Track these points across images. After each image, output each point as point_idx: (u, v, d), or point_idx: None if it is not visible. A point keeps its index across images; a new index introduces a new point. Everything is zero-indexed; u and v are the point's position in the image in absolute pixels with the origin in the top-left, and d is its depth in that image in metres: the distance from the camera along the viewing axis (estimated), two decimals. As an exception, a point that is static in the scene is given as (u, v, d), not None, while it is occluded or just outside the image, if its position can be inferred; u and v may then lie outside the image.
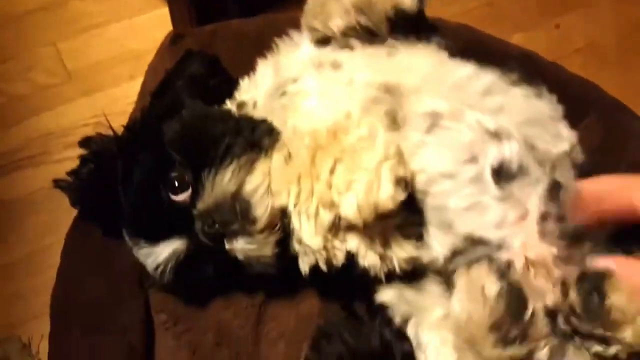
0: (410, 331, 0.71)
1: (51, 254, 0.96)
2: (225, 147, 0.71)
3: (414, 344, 0.70)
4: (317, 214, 0.64)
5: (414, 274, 0.70)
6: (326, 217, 0.64)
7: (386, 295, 0.72)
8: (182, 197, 0.71)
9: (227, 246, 0.69)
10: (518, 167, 0.69)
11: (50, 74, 1.12)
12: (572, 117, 0.81)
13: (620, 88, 0.96)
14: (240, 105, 0.80)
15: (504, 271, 0.62)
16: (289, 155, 0.70)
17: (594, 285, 0.58)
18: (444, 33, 0.83)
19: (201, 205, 0.70)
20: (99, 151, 0.81)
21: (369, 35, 0.78)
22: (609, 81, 1.05)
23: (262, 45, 0.86)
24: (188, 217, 0.69)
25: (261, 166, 0.71)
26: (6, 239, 0.97)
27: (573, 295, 0.58)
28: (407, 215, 0.68)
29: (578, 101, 0.92)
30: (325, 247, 0.66)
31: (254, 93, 0.82)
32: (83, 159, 0.81)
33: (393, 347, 0.70)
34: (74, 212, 0.89)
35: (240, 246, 0.69)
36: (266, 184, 0.70)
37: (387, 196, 0.62)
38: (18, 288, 0.94)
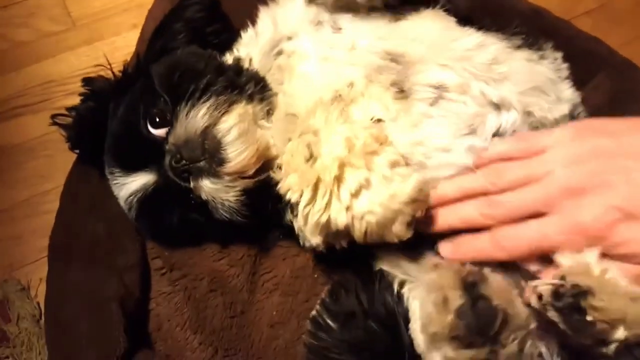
0: (405, 296, 0.71)
1: (49, 199, 0.97)
2: (205, 84, 0.70)
3: (409, 309, 0.70)
4: (327, 224, 0.62)
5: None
6: (334, 227, 0.62)
7: (384, 263, 0.73)
8: (160, 131, 0.71)
9: (191, 184, 0.69)
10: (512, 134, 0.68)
11: (54, 21, 1.11)
12: (581, 75, 0.80)
13: (631, 52, 0.94)
14: (236, 60, 0.79)
15: (473, 283, 0.59)
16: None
17: (572, 303, 0.54)
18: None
19: (171, 138, 0.69)
20: (99, 91, 0.82)
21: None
22: (620, 44, 1.03)
23: None
24: (162, 152, 0.69)
25: (240, 109, 0.70)
26: (5, 184, 0.97)
27: (552, 314, 0.55)
28: None
29: (587, 58, 0.91)
30: (325, 241, 0.65)
31: (250, 49, 0.81)
32: (83, 97, 0.82)
33: (396, 312, 0.70)
34: (71, 160, 0.90)
35: (203, 185, 0.68)
36: (242, 127, 0.69)
37: (396, 232, 0.61)
38: (17, 231, 0.95)
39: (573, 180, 0.59)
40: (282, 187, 0.64)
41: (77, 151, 0.85)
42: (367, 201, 0.60)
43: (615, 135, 0.60)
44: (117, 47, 1.09)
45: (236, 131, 0.69)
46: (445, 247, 0.67)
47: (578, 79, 0.78)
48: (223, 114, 0.69)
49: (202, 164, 0.68)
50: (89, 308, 0.74)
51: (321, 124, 0.64)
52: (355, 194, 0.60)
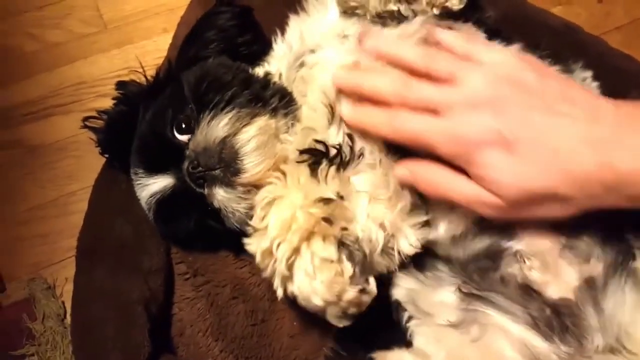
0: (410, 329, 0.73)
1: (77, 199, 0.99)
2: (230, 95, 0.72)
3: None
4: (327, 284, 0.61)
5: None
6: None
7: (400, 294, 0.74)
8: (184, 137, 0.72)
9: (205, 191, 0.70)
10: None
11: (86, 23, 1.12)
12: (612, 93, 0.79)
13: (663, 70, 0.92)
14: (266, 74, 0.79)
15: None
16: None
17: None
18: (483, 1, 0.81)
19: (191, 145, 0.71)
20: (131, 96, 0.84)
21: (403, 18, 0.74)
22: (652, 62, 1.01)
23: (294, 3, 0.86)
24: (183, 157, 0.71)
25: (262, 122, 0.71)
26: (35, 182, 0.99)
27: None
28: (415, 201, 0.68)
29: (618, 76, 0.89)
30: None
31: (279, 62, 0.82)
32: (116, 101, 0.84)
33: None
34: (100, 161, 0.91)
35: (216, 193, 0.69)
36: (262, 140, 0.69)
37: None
38: (44, 230, 0.97)
39: (479, 97, 0.61)
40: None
41: (107, 155, 0.87)
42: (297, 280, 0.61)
43: (546, 77, 0.62)
44: (147, 50, 1.11)
45: (254, 143, 0.69)
46: (346, 107, 0.69)
47: (608, 97, 0.77)
48: (244, 125, 0.70)
49: (217, 172, 0.69)
50: (115, 310, 0.75)
51: (290, 179, 0.65)
52: (289, 269, 0.61)
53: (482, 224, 0.70)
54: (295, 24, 0.84)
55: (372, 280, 0.64)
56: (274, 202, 0.63)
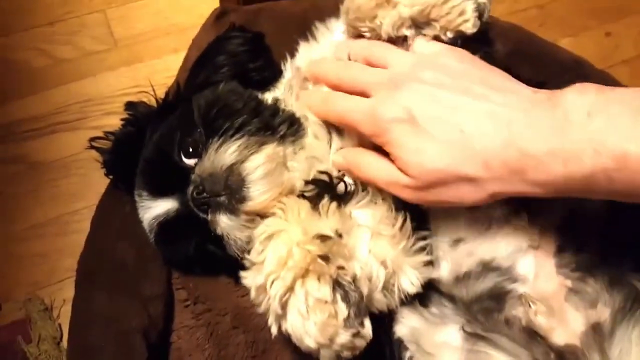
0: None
1: (79, 218, 0.97)
2: (240, 123, 0.71)
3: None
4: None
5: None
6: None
7: (404, 331, 0.73)
8: (190, 161, 0.72)
9: (209, 217, 0.69)
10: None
11: (97, 40, 1.12)
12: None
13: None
14: (275, 101, 0.79)
15: None
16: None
17: None
18: (493, 33, 0.80)
19: (198, 169, 0.70)
20: (139, 117, 0.83)
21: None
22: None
23: (305, 29, 0.86)
24: (188, 182, 0.70)
25: (270, 150, 0.70)
26: (37, 200, 0.98)
27: None
28: (416, 238, 0.67)
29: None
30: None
31: (288, 89, 0.81)
32: (124, 122, 0.83)
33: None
34: (104, 180, 0.89)
35: (219, 220, 0.68)
36: (269, 168, 0.68)
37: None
38: (44, 249, 0.95)
39: (401, 77, 0.64)
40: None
41: (112, 176, 0.86)
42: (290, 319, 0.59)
43: (470, 63, 0.64)
44: (157, 70, 1.10)
45: (262, 171, 0.68)
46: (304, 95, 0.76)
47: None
48: (252, 153, 0.69)
49: (222, 199, 0.68)
50: (114, 337, 0.73)
51: (291, 213, 0.64)
52: (283, 307, 0.59)
53: (486, 265, 0.69)
54: (304, 50, 0.85)
55: (367, 323, 0.62)
56: (272, 236, 0.62)
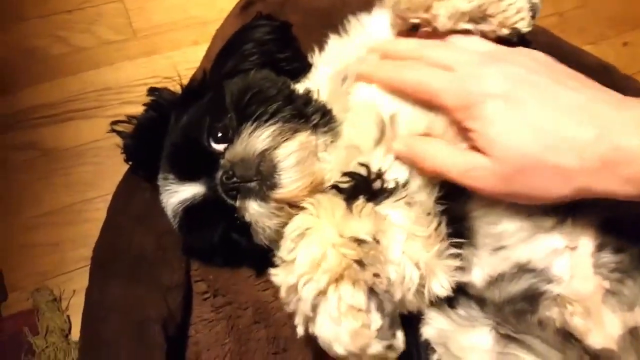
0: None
1: (92, 207, 0.94)
2: (275, 109, 0.70)
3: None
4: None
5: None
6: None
7: (431, 333, 0.71)
8: (219, 146, 0.70)
9: (238, 203, 0.67)
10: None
11: (115, 30, 1.10)
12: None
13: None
14: (307, 91, 0.77)
15: None
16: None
17: None
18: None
19: (228, 154, 0.68)
20: (163, 103, 0.81)
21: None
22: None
23: (330, 23, 0.84)
24: (217, 167, 0.68)
25: (303, 137, 0.69)
26: (50, 187, 0.94)
27: None
28: (450, 243, 0.65)
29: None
30: None
31: (320, 81, 0.80)
32: (147, 106, 0.81)
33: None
34: (119, 169, 0.86)
35: (249, 206, 0.67)
36: (301, 155, 0.67)
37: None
38: (55, 238, 0.91)
39: (491, 56, 0.63)
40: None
41: (131, 162, 0.83)
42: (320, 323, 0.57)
43: (557, 62, 0.63)
44: (176, 61, 1.08)
45: (294, 158, 0.67)
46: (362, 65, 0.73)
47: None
48: (285, 140, 0.68)
49: (252, 184, 0.66)
50: (130, 328, 0.69)
51: (324, 211, 0.61)
52: (313, 309, 0.57)
53: (521, 267, 0.67)
54: (335, 44, 0.84)
55: (400, 334, 0.60)
56: (304, 234, 0.59)
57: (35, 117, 1.00)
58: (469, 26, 0.67)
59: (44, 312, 0.85)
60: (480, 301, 0.70)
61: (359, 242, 0.58)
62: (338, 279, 0.56)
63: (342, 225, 0.59)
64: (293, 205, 0.67)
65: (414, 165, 0.66)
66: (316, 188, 0.69)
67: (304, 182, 0.67)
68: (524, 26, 0.68)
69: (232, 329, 0.77)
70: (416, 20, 0.70)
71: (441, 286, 0.64)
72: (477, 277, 0.69)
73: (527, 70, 0.60)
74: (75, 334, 0.83)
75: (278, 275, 0.60)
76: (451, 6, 0.66)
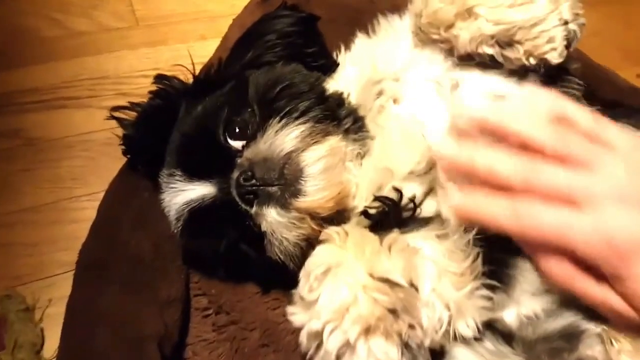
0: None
1: (78, 206, 0.83)
2: (306, 106, 0.63)
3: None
4: None
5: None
6: None
7: None
8: (236, 143, 0.62)
9: (254, 209, 0.59)
10: None
11: (117, 17, 1.02)
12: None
13: None
14: (341, 93, 0.71)
15: None
16: None
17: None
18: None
19: (249, 152, 0.60)
20: (172, 91, 0.72)
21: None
22: None
23: (356, 21, 0.79)
24: (232, 166, 0.61)
25: (334, 142, 0.62)
26: (33, 180, 0.84)
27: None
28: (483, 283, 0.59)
29: None
30: None
31: (349, 84, 0.73)
32: (153, 94, 0.72)
33: None
34: (112, 166, 0.77)
35: (267, 213, 0.59)
36: (330, 162, 0.60)
37: None
38: (34, 238, 0.80)
39: (627, 189, 0.48)
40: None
41: (130, 155, 0.74)
42: None
43: None
44: (181, 55, 0.98)
45: (323, 164, 0.60)
46: (454, 192, 0.52)
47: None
48: (315, 142, 0.61)
49: (274, 189, 0.59)
50: (122, 346, 0.59)
51: (352, 245, 0.54)
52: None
53: (562, 303, 0.61)
54: (363, 45, 0.77)
55: None
56: (329, 271, 0.51)
57: (22, 101, 0.90)
58: (491, 51, 0.62)
59: (13, 322, 0.73)
60: (508, 337, 0.63)
61: (392, 284, 0.51)
62: (368, 330, 0.49)
63: (372, 263, 0.52)
64: (314, 218, 0.60)
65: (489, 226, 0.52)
66: (342, 201, 0.62)
67: (330, 192, 0.60)
68: (554, 57, 0.62)
69: (236, 352, 0.67)
70: (436, 37, 0.65)
71: (467, 326, 0.58)
72: (510, 317, 0.63)
73: None
74: (49, 351, 0.72)
75: (297, 315, 0.52)
76: (475, 28, 0.61)
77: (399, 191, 0.61)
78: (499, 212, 0.50)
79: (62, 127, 0.88)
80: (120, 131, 0.73)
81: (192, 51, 1.00)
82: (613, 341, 0.60)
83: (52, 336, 0.72)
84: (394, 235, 0.55)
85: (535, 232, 0.49)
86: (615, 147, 0.51)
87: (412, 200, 0.60)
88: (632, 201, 0.48)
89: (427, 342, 0.53)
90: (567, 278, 0.49)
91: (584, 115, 0.53)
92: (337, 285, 0.50)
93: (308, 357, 0.52)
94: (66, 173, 0.85)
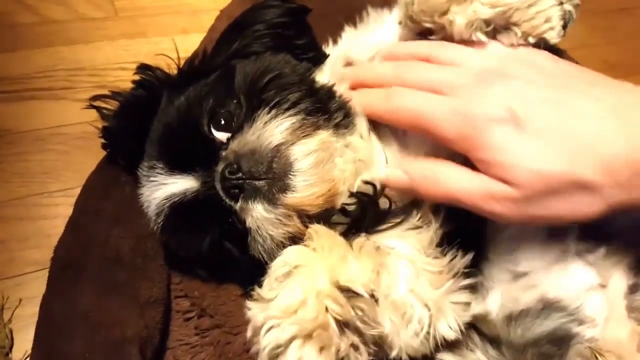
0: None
1: (50, 203, 0.79)
2: (297, 98, 0.61)
3: None
4: None
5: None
6: None
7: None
8: (221, 135, 0.60)
9: (239, 204, 0.57)
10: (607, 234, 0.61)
11: (95, 6, 0.97)
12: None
13: None
14: (332, 85, 0.67)
15: None
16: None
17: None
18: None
19: (235, 144, 0.58)
20: (154, 82, 0.69)
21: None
22: None
23: (350, 13, 0.77)
24: (216, 159, 0.58)
25: (325, 136, 0.60)
26: (1, 174, 0.79)
27: None
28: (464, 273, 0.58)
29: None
30: None
31: (334, 75, 0.70)
32: (136, 84, 0.69)
33: None
34: (88, 161, 0.74)
35: (253, 209, 0.57)
36: (321, 157, 0.58)
37: None
38: (2, 234, 0.75)
39: (487, 70, 0.57)
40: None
41: (110, 148, 0.70)
42: None
43: (561, 62, 0.59)
44: (162, 48, 0.95)
45: (313, 159, 0.58)
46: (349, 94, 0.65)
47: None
48: (305, 136, 0.59)
49: (261, 183, 0.57)
50: (101, 348, 0.55)
51: (320, 248, 0.54)
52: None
53: (549, 303, 0.61)
54: (349, 35, 0.77)
55: None
56: (291, 273, 0.51)
57: (-12, 90, 0.85)
58: (485, 38, 0.61)
59: (-23, 324, 0.68)
60: (497, 342, 0.62)
61: (352, 294, 0.50)
62: (307, 337, 0.48)
63: (337, 270, 0.51)
64: (302, 215, 0.58)
65: (417, 192, 0.58)
66: (331, 199, 0.60)
67: (320, 189, 0.58)
68: (552, 37, 0.62)
69: (219, 356, 0.64)
70: (429, 25, 0.64)
71: (449, 327, 0.57)
72: (494, 306, 0.62)
73: (534, 82, 0.54)
74: (18, 354, 0.67)
75: (252, 310, 0.51)
76: (471, 12, 0.60)
77: (372, 184, 0.60)
78: (375, 99, 0.61)
79: (33, 119, 0.83)
80: (97, 124, 0.69)
81: (172, 44, 0.97)
82: (597, 354, 0.59)
83: (22, 339, 0.67)
84: (362, 239, 0.55)
85: (403, 116, 0.58)
86: (476, 53, 0.60)
87: (386, 194, 0.60)
88: (490, 79, 0.55)
89: (394, 348, 0.53)
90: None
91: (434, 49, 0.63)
92: (294, 286, 0.50)
93: (252, 352, 0.52)
94: (38, 167, 0.80)
